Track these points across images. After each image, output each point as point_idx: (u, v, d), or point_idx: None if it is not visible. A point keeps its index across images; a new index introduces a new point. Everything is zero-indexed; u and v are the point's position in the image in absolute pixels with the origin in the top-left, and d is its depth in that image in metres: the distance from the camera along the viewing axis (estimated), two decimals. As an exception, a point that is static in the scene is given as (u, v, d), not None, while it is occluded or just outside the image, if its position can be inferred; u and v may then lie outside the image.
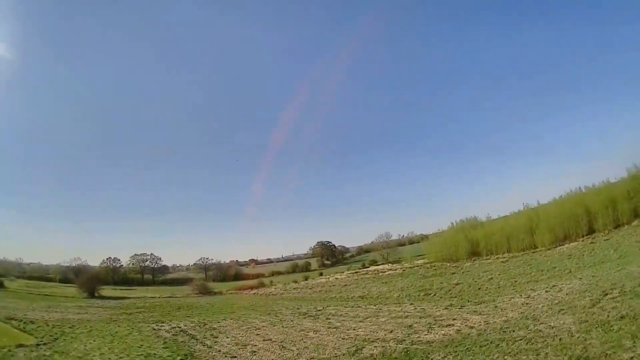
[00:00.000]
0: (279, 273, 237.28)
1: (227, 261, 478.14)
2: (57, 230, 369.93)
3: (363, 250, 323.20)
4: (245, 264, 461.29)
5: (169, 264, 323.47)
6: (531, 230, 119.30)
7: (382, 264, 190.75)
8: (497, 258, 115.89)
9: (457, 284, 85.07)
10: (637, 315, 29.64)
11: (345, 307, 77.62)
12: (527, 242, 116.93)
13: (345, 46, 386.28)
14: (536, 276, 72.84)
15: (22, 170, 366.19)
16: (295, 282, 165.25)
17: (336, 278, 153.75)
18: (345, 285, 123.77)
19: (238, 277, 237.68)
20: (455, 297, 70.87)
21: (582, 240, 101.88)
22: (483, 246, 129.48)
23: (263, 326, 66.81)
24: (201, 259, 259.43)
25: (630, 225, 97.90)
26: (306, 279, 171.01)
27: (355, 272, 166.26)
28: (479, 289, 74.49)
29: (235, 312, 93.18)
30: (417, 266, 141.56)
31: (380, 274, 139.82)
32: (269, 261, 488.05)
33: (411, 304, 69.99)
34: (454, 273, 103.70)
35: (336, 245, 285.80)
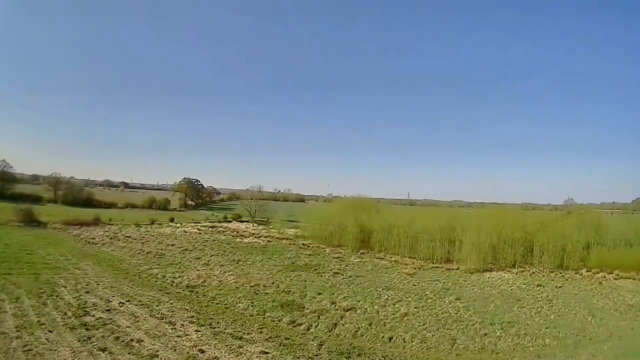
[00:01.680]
0: (133, 206, 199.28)
1: (93, 179, 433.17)
2: None
3: (235, 197, 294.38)
4: (116, 185, 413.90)
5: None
6: (450, 238, 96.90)
7: (246, 221, 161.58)
8: (392, 261, 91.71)
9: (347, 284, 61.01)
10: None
11: (156, 306, 47.35)
12: (442, 254, 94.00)
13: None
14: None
15: None
16: (138, 225, 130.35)
17: (184, 231, 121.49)
18: (186, 249, 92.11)
19: (89, 201, 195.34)
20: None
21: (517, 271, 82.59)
22: (377, 239, 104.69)
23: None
24: (53, 174, 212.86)
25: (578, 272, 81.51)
26: (152, 223, 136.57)
27: (212, 227, 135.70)
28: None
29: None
30: (288, 240, 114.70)
31: (237, 240, 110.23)
32: (142, 187, 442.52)
33: (261, 331, 41.35)
34: (336, 272, 76.91)
35: (204, 185, 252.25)
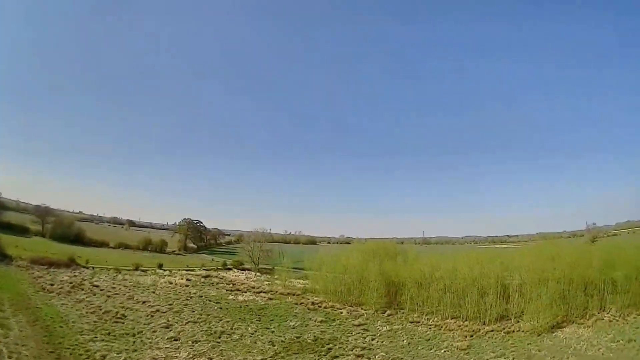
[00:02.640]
0: (127, 246, 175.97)
1: (102, 214, 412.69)
2: None
3: (243, 239, 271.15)
4: (122, 223, 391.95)
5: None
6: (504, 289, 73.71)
7: (248, 269, 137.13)
8: (432, 326, 68.30)
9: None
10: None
11: None
12: (497, 310, 70.20)
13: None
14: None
15: None
16: (118, 271, 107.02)
17: (169, 282, 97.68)
18: (158, 310, 68.54)
19: (79, 238, 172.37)
20: None
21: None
22: (408, 295, 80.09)
23: None
24: (42, 204, 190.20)
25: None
26: (135, 269, 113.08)
27: (206, 276, 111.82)
28: None
29: None
30: (294, 296, 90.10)
31: (231, 297, 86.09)
32: (150, 226, 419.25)
33: None
34: (359, 355, 53.45)
35: (207, 226, 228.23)
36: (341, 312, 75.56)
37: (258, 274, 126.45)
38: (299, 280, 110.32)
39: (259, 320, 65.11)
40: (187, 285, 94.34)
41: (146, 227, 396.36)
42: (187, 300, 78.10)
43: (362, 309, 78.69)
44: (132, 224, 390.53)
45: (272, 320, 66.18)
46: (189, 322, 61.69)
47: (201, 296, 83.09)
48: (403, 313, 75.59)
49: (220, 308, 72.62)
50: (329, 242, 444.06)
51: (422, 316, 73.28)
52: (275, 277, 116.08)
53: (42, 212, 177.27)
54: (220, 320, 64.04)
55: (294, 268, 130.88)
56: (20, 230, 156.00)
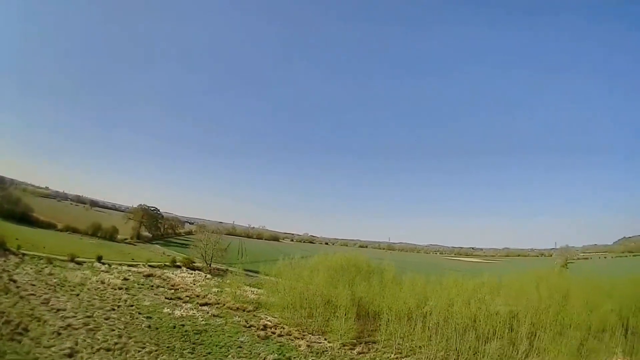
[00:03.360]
0: (74, 230, 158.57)
1: (67, 192, 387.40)
2: None
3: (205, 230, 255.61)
4: (84, 202, 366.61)
5: None
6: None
7: (199, 269, 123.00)
8: None
9: None
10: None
11: None
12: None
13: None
14: None
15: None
16: (50, 262, 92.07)
17: (101, 281, 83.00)
18: (69, 326, 53.84)
19: (26, 216, 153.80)
20: None
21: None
22: (386, 328, 67.13)
23: None
24: None
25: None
26: (71, 260, 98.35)
27: (148, 275, 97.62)
28: None
29: None
30: (243, 313, 75.99)
31: (166, 310, 71.69)
32: (114, 207, 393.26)
33: None
34: None
35: (163, 214, 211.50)
36: (299, 345, 61.35)
37: (209, 275, 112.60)
38: (253, 289, 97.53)
39: (192, 353, 51.34)
40: (120, 288, 79.54)
41: (109, 208, 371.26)
42: (113, 310, 63.69)
43: (326, 340, 65.36)
44: (94, 204, 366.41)
45: (210, 353, 52.62)
46: (100, 349, 47.94)
47: (131, 305, 68.59)
48: (377, 351, 63.19)
49: (149, 327, 58.44)
50: (292, 240, 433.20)
51: (402, 358, 61.44)
52: (227, 282, 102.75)
53: None
54: (143, 348, 49.99)
55: (249, 270, 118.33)
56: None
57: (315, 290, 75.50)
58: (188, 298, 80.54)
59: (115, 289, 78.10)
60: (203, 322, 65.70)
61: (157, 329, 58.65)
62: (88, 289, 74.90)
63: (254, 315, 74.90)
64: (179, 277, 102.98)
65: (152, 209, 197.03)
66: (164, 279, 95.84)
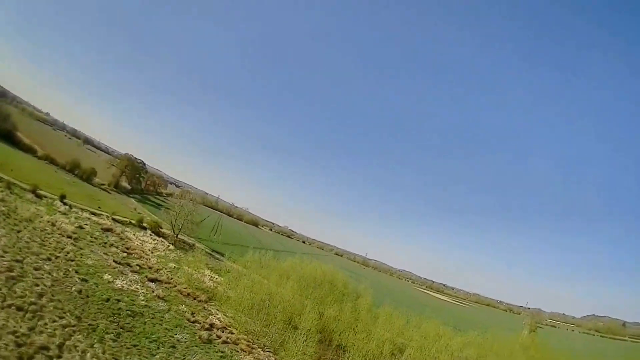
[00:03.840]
0: (52, 161, 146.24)
1: (67, 124, 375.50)
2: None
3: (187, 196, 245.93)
4: (77, 136, 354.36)
5: None
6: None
7: (164, 236, 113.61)
8: None
9: None
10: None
11: None
12: None
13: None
14: None
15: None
16: (8, 188, 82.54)
17: (52, 223, 73.51)
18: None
19: (11, 135, 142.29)
20: None
21: None
22: None
23: None
24: None
25: None
26: (33, 192, 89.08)
27: (107, 229, 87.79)
28: None
29: None
30: (195, 302, 66.41)
31: (107, 277, 62.26)
32: (107, 151, 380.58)
33: None
34: None
35: (147, 168, 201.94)
36: (251, 361, 53.24)
37: (172, 246, 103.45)
38: (213, 276, 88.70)
39: (115, 340, 42.28)
40: (70, 236, 69.86)
41: (103, 150, 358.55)
42: (48, 260, 54.66)
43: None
44: (89, 142, 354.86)
45: (135, 346, 43.49)
46: (12, 305, 38.90)
47: (72, 260, 59.26)
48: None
49: (79, 293, 49.43)
50: (271, 230, 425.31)
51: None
52: (189, 258, 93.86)
53: None
54: (61, 318, 41.13)
55: (217, 252, 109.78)
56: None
57: (279, 300, 66.38)
58: (138, 267, 70.91)
59: (62, 236, 68.67)
60: (143, 302, 56.37)
61: (87, 297, 49.38)
62: (33, 228, 65.68)
63: (203, 308, 65.56)
64: (139, 239, 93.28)
65: (138, 160, 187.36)
66: (122, 238, 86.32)
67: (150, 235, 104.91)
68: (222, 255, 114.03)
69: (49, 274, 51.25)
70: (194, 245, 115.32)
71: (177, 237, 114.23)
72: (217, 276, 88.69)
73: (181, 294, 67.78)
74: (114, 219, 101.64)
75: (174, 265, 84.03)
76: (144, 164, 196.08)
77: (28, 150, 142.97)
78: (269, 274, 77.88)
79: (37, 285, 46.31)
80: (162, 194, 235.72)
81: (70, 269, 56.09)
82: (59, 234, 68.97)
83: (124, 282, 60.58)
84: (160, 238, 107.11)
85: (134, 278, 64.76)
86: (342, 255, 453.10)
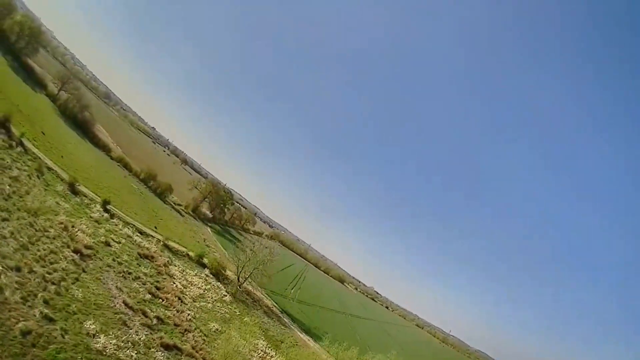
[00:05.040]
0: (126, 166, 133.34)
1: (166, 137, 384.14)
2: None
3: (277, 238, 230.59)
4: (177, 154, 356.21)
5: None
6: None
7: (225, 280, 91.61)
8: None
9: None
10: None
11: None
12: None
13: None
14: None
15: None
16: (40, 170, 66.26)
17: (64, 227, 54.19)
18: None
19: (85, 126, 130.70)
20: None
21: None
22: None
23: None
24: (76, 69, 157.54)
25: None
26: (71, 184, 72.02)
27: (145, 257, 68.23)
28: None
29: None
30: None
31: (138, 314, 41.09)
32: (205, 176, 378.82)
33: None
34: None
35: (239, 201, 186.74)
36: None
37: (229, 297, 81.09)
38: (267, 351, 64.94)
39: None
40: (78, 251, 50.61)
41: (203, 176, 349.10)
42: (12, 270, 34.79)
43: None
44: (186, 162, 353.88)
45: None
46: None
47: (52, 283, 39.18)
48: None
49: (23, 336, 27.91)
50: (356, 288, 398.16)
51: None
52: (244, 318, 70.99)
53: (65, 77, 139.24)
54: None
55: (287, 314, 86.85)
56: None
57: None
58: (157, 321, 48.84)
59: (67, 247, 49.30)
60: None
61: (31, 346, 28.64)
62: (30, 224, 47.19)
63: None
64: (185, 279, 72.10)
65: (224, 188, 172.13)
66: (160, 273, 65.68)
67: (206, 276, 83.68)
68: (293, 319, 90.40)
69: (1, 290, 30.91)
70: (260, 300, 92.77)
71: (239, 286, 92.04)
72: (272, 352, 64.70)
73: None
74: (165, 245, 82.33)
75: (217, 326, 61.23)
76: (231, 195, 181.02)
77: (102, 147, 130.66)
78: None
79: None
80: (249, 230, 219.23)
81: (39, 295, 35.53)
82: (63, 244, 49.49)
83: (115, 340, 38.45)
84: (219, 283, 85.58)
85: (138, 337, 42.53)
86: (422, 327, 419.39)
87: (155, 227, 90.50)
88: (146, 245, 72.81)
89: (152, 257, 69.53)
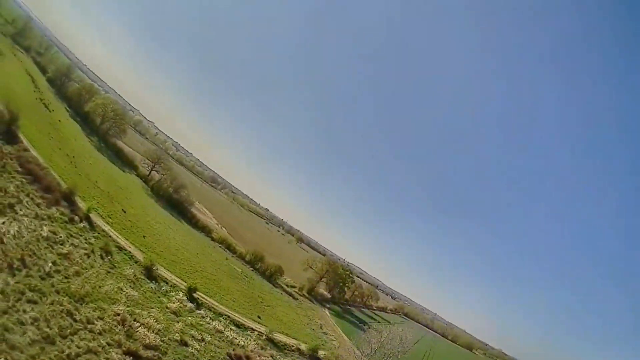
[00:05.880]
0: (228, 246, 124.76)
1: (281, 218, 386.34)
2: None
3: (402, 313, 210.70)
4: (292, 233, 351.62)
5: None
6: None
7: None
8: None
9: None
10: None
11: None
12: None
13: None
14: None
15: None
16: (107, 250, 56.05)
17: (121, 321, 42.08)
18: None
19: (180, 203, 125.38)
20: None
21: None
22: None
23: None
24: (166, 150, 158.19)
25: None
26: (147, 269, 60.87)
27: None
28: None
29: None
30: None
31: None
32: (315, 248, 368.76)
33: None
34: None
35: (354, 273, 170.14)
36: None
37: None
38: None
39: None
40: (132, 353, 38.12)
41: (321, 253, 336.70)
42: None
43: None
44: (302, 240, 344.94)
45: None
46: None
47: None
48: None
49: None
50: (484, 353, 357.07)
51: None
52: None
53: (154, 157, 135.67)
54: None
55: None
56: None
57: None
58: None
59: (118, 348, 36.44)
60: None
61: None
62: (73, 317, 35.20)
63: None
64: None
65: (343, 266, 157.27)
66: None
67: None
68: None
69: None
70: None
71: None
72: None
73: None
74: (269, 339, 67.73)
75: None
76: (351, 273, 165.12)
77: (202, 228, 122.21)
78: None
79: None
80: (372, 306, 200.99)
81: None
82: (112, 341, 37.43)
83: None
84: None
85: None
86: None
87: (259, 317, 77.10)
88: (241, 342, 58.62)
89: (248, 357, 54.73)
